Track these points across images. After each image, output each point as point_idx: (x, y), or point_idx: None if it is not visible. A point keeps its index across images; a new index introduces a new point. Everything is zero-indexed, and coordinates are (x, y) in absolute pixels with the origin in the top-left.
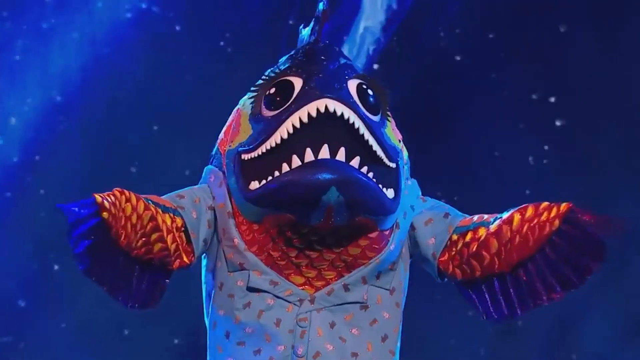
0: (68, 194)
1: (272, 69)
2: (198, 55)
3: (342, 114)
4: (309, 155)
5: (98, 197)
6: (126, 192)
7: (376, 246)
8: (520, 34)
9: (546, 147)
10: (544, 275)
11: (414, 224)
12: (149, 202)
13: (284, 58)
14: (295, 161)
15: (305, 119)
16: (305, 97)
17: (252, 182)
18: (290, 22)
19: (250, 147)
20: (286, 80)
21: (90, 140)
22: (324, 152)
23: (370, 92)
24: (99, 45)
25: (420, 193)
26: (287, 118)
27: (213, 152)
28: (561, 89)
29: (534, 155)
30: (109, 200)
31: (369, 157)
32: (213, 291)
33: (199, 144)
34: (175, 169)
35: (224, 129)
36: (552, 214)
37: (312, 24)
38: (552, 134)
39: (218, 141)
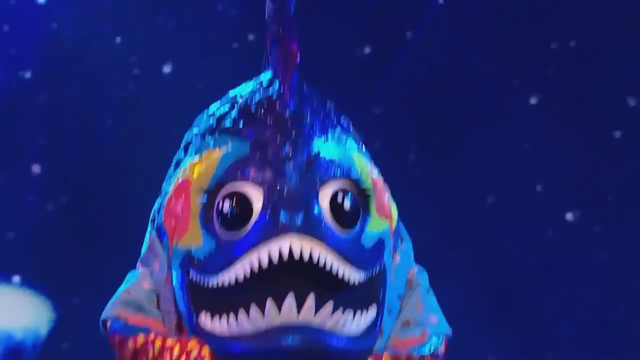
0: None
1: (222, 124)
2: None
3: (310, 256)
4: (270, 310)
5: None
6: None
7: None
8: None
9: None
10: None
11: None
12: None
13: (240, 98)
14: (255, 314)
15: (265, 263)
16: (264, 230)
17: (203, 313)
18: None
19: (200, 268)
20: (241, 194)
21: None
22: (289, 304)
23: (347, 202)
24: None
25: (413, 263)
26: (242, 253)
27: (158, 221)
28: None
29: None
30: None
31: (343, 293)
32: None
33: None
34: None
35: (171, 190)
36: None
37: (273, 72)
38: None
39: (163, 204)
